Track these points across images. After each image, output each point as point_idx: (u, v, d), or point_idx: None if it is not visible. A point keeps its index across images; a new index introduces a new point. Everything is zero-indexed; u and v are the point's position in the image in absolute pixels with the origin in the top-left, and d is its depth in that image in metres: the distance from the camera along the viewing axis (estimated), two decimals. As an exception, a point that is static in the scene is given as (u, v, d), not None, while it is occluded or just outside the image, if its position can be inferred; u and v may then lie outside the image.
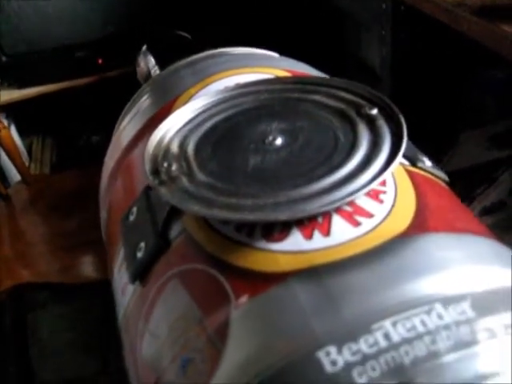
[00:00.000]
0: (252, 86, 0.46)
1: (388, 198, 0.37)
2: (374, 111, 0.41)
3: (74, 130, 1.40)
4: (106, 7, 1.20)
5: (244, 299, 0.32)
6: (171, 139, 0.43)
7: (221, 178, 0.38)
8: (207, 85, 0.49)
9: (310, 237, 0.34)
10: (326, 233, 0.34)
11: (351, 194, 0.35)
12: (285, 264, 0.33)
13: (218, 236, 0.36)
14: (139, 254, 0.40)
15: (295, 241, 0.34)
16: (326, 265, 0.33)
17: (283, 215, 0.34)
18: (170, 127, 0.44)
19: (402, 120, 0.40)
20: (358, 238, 0.34)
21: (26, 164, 1.31)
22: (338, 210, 0.35)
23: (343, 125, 0.41)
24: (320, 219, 0.35)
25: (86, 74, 1.24)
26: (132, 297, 0.40)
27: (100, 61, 1.23)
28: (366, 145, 0.39)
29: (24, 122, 1.36)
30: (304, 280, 0.32)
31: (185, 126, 0.44)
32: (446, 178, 0.43)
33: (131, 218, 0.43)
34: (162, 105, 0.50)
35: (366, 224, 0.35)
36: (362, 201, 0.36)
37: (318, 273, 0.32)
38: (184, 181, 0.39)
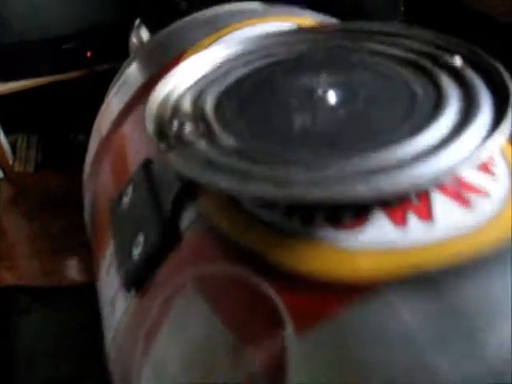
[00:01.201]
0: (286, 34, 0.32)
1: (501, 171, 0.23)
2: (458, 60, 0.28)
3: (60, 127, 1.24)
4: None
5: (309, 322, 0.19)
6: (181, 95, 0.28)
7: (256, 140, 0.24)
8: (225, 35, 0.35)
9: (402, 223, 0.21)
10: (427, 216, 0.21)
11: (460, 162, 0.22)
12: (370, 266, 0.19)
13: (257, 224, 0.22)
14: (136, 252, 0.26)
15: (380, 230, 0.20)
16: (441, 269, 0.19)
17: (365, 190, 0.21)
18: (179, 81, 0.30)
19: (502, 69, 0.27)
20: (478, 225, 0.20)
21: (10, 162, 1.16)
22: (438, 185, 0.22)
23: (418, 77, 0.28)
24: (414, 197, 0.22)
25: (73, 67, 1.08)
26: (125, 313, 0.26)
27: (89, 54, 1.08)
28: (456, 101, 0.26)
29: (8, 119, 1.20)
30: (409, 293, 0.18)
31: (199, 80, 0.30)
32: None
33: (125, 201, 0.29)
34: (163, 64, 0.36)
35: (482, 205, 0.21)
36: (466, 172, 0.23)
37: (431, 282, 0.18)
38: (202, 145, 0.25)
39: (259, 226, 0.22)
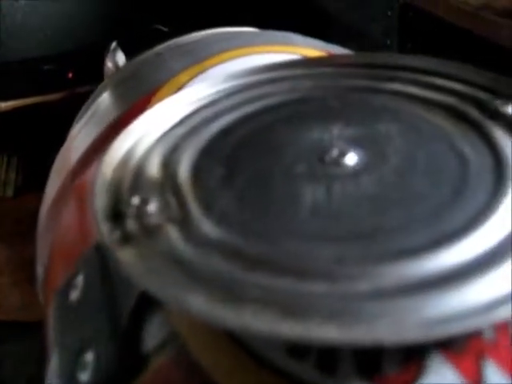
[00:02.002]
0: (286, 68, 0.25)
1: None
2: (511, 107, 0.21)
3: (41, 149, 1.16)
4: (77, 16, 0.98)
5: None
6: (148, 152, 0.21)
7: (250, 229, 0.17)
8: (206, 69, 0.27)
9: (475, 375, 0.13)
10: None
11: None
12: None
13: (255, 365, 0.15)
14: (84, 377, 0.18)
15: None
16: None
17: (420, 327, 0.13)
18: (146, 132, 0.22)
19: None
20: None
21: (-11, 185, 1.07)
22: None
23: (464, 130, 0.20)
24: (489, 333, 0.14)
25: (55, 88, 1.00)
26: None
27: (70, 74, 1.00)
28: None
29: (-13, 141, 1.11)
30: None
31: (172, 129, 0.22)
32: None
33: (73, 296, 0.21)
34: (134, 101, 0.28)
35: None
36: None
37: None
38: (173, 234, 0.17)
39: (258, 369, 0.14)
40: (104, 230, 0.17)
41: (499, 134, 0.19)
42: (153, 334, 0.17)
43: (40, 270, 0.31)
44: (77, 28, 0.97)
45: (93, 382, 0.17)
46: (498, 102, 0.21)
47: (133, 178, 0.19)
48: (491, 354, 0.13)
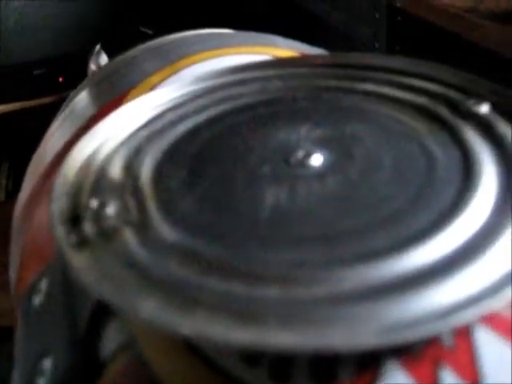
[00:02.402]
0: (256, 69, 0.24)
1: None
2: (485, 108, 0.20)
3: (32, 154, 1.15)
4: (67, 22, 0.98)
5: None
6: (111, 155, 0.20)
7: (208, 233, 0.16)
8: (178, 70, 0.27)
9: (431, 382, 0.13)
10: (471, 371, 0.13)
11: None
12: None
13: (208, 371, 0.14)
14: (42, 383, 0.18)
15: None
16: None
17: (377, 334, 0.12)
18: (111, 134, 0.21)
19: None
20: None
21: (-20, 190, 1.06)
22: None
23: (434, 131, 0.20)
24: (447, 337, 0.14)
25: (45, 93, 1.00)
26: None
27: (61, 79, 1.00)
28: (491, 169, 0.18)
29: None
30: None
31: (137, 132, 0.22)
32: None
33: (36, 301, 0.21)
34: (106, 102, 0.28)
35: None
36: None
37: None
38: (129, 238, 0.16)
39: (212, 376, 0.14)
40: (60, 234, 0.16)
41: (470, 134, 0.19)
42: (109, 341, 0.16)
43: (13, 274, 0.31)
44: (67, 33, 0.97)
45: (50, 389, 0.17)
46: (470, 102, 0.20)
47: (94, 181, 0.19)
48: (448, 360, 0.13)
